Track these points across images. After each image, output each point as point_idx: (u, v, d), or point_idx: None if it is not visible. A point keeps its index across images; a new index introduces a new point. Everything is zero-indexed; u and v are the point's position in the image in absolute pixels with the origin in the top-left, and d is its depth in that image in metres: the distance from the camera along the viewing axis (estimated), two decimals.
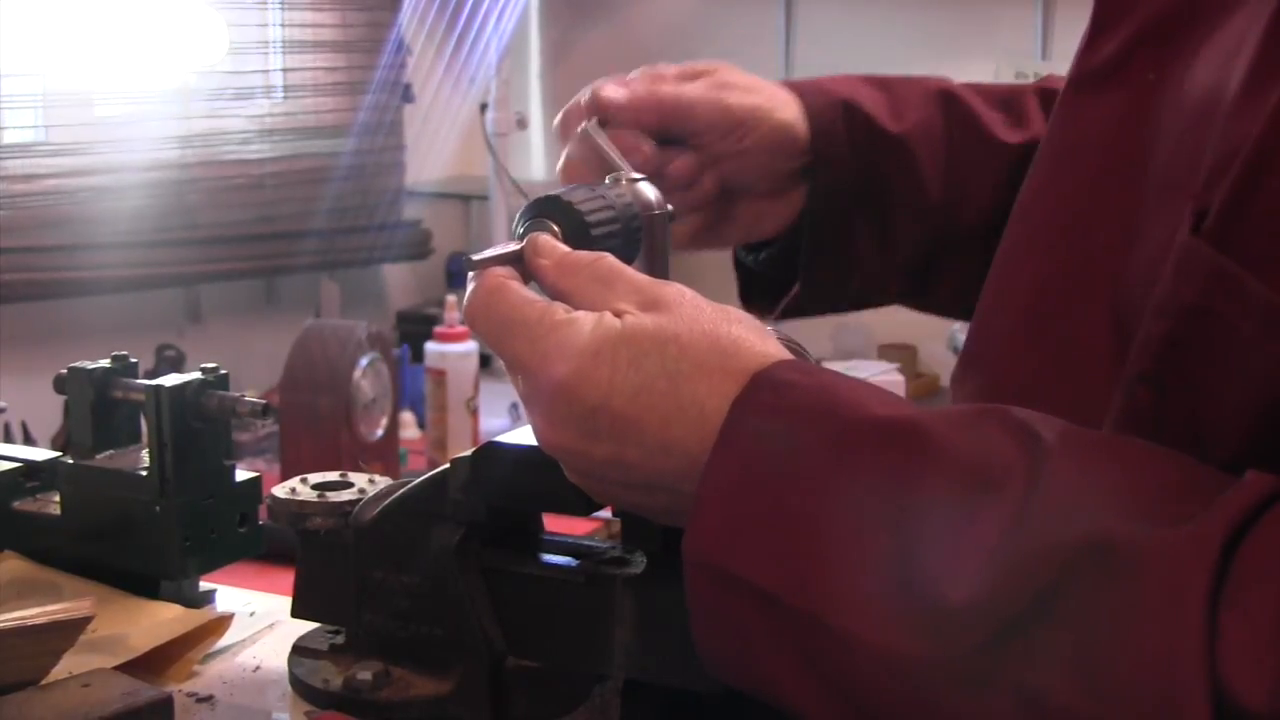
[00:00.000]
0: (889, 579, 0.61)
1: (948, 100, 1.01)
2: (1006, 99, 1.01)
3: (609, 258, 0.73)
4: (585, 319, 0.69)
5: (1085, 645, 0.56)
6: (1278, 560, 0.54)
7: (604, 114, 0.93)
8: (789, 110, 0.96)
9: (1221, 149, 0.61)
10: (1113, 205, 0.71)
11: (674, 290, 0.71)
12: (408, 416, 3.06)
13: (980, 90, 1.02)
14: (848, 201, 0.98)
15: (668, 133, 0.95)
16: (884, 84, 1.01)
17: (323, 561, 0.90)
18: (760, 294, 1.07)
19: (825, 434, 0.65)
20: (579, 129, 0.92)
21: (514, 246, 0.75)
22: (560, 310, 0.70)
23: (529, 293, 0.72)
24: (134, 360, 1.01)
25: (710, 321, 0.69)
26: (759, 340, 0.70)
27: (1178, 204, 0.63)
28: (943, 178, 0.98)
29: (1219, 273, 0.59)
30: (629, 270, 0.72)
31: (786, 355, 0.70)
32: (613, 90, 0.93)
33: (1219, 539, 0.55)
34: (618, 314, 0.70)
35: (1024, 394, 0.73)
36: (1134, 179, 0.70)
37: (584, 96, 0.94)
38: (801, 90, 0.97)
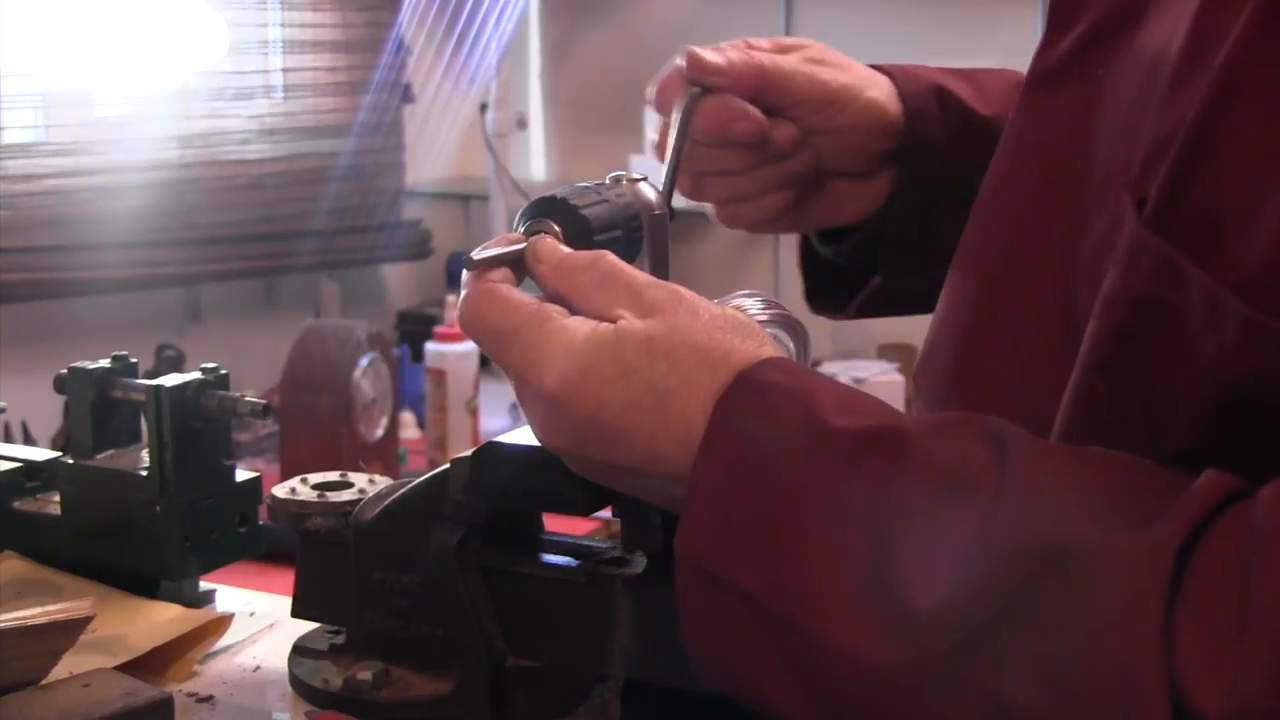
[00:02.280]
0: (862, 583, 0.61)
1: None
2: None
3: (608, 257, 0.73)
4: (577, 329, 0.70)
5: (1047, 651, 0.56)
6: (1230, 565, 0.54)
7: (704, 80, 0.91)
8: (881, 89, 0.94)
9: (1153, 139, 0.62)
10: (1063, 201, 0.72)
11: (669, 294, 0.71)
12: (408, 417, 3.06)
13: None
14: (936, 189, 0.95)
15: (763, 103, 0.92)
16: (966, 75, 1.00)
17: (323, 561, 0.90)
18: (830, 290, 1.04)
19: (805, 437, 0.65)
20: (683, 97, 0.90)
21: (515, 247, 0.75)
22: (553, 314, 0.71)
23: (520, 297, 0.72)
24: (134, 360, 1.01)
25: (703, 331, 0.69)
26: (752, 346, 0.70)
27: (1116, 196, 0.64)
28: None
29: (1164, 262, 0.60)
30: (628, 270, 0.72)
31: (776, 355, 0.71)
32: (712, 56, 0.91)
33: (1174, 544, 0.55)
34: (613, 320, 0.70)
35: (978, 387, 0.74)
36: (1082, 175, 0.71)
37: (681, 62, 0.91)
38: (892, 73, 0.96)
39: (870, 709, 0.61)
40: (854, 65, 0.95)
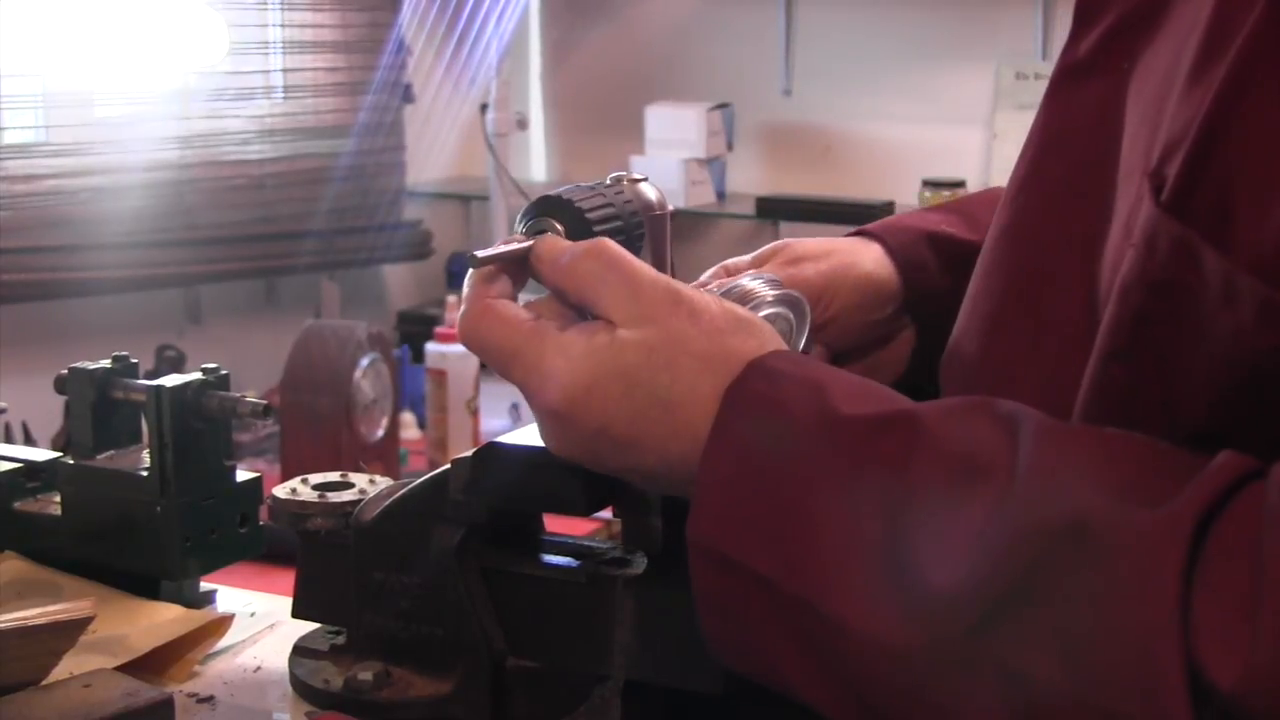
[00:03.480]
0: (877, 565, 0.62)
1: None
2: None
3: (607, 246, 0.73)
4: (575, 344, 0.70)
5: (1065, 626, 0.57)
6: (1247, 540, 0.55)
7: None
8: (869, 260, 0.93)
9: (1173, 126, 0.63)
10: (1089, 194, 0.72)
11: (669, 296, 0.71)
12: (408, 417, 3.06)
13: None
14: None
15: None
16: (951, 207, 0.99)
17: (323, 562, 0.89)
18: None
19: (817, 425, 0.66)
20: None
21: (520, 245, 0.75)
22: (551, 331, 0.71)
23: (517, 314, 0.72)
24: (134, 361, 1.00)
25: (704, 337, 0.70)
26: (754, 344, 0.70)
27: (1137, 184, 0.65)
28: None
29: (1181, 245, 0.61)
30: (627, 263, 0.72)
31: (782, 348, 0.71)
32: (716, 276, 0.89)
33: (1191, 519, 0.56)
34: (611, 327, 0.70)
35: (1001, 375, 0.74)
36: (1108, 166, 0.71)
37: None
38: (879, 235, 0.95)
39: (889, 689, 0.62)
40: (836, 246, 0.94)
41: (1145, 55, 0.71)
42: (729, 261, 0.93)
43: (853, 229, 0.98)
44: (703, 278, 0.91)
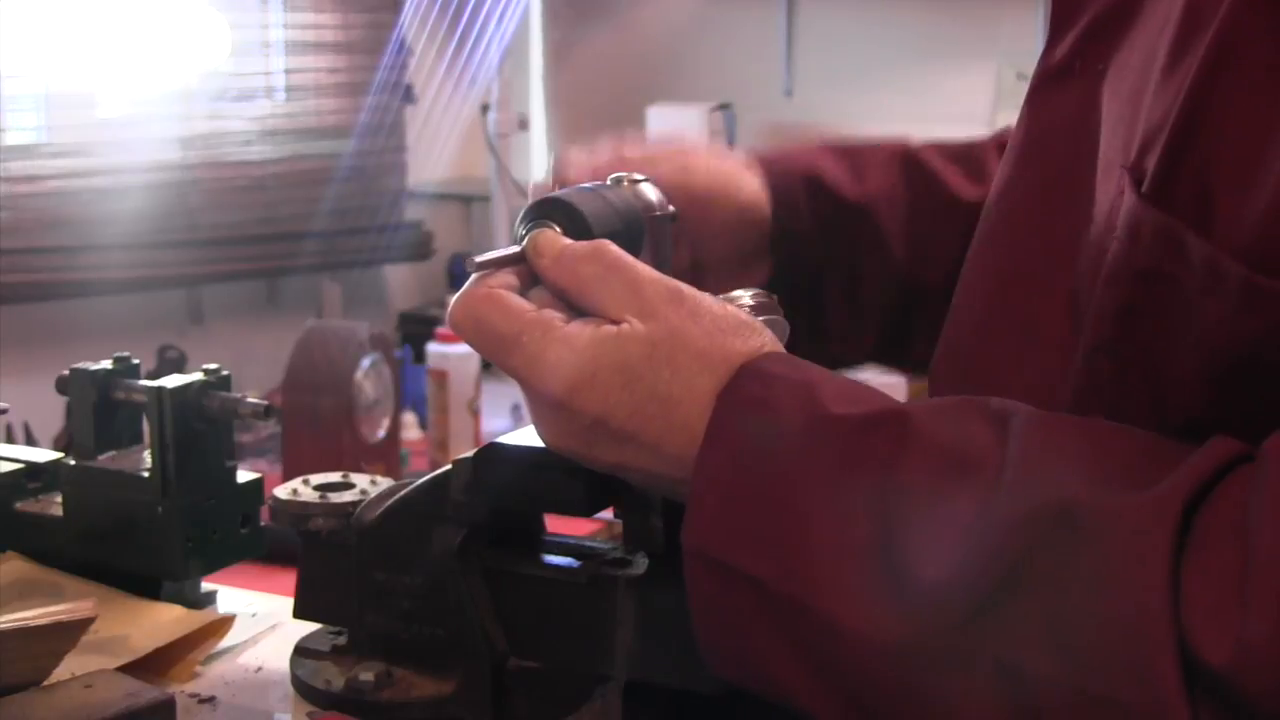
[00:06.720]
0: (869, 562, 0.62)
1: (908, 162, 1.00)
2: (965, 154, 1.01)
3: (610, 248, 0.73)
4: (579, 335, 0.70)
5: (1056, 613, 0.57)
6: (1237, 520, 0.55)
7: (568, 183, 0.89)
8: (751, 188, 0.95)
9: (1151, 117, 0.64)
10: (1070, 194, 0.73)
11: (670, 293, 0.71)
12: (409, 417, 3.06)
13: (940, 148, 1.02)
14: (814, 271, 0.97)
15: None
16: (847, 152, 1.00)
17: (324, 563, 0.90)
18: None
19: (807, 425, 0.66)
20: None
21: (516, 248, 0.75)
22: (555, 321, 0.71)
23: (520, 302, 0.72)
24: (136, 361, 1.00)
25: (704, 336, 0.70)
26: (753, 345, 0.71)
27: (1117, 178, 0.66)
28: (906, 239, 0.98)
29: (1164, 233, 0.61)
30: (630, 264, 0.72)
31: (777, 350, 0.71)
32: (579, 157, 0.90)
33: (1180, 501, 0.56)
34: (615, 322, 0.70)
35: (991, 377, 0.75)
36: (1087, 167, 0.72)
37: (549, 167, 0.91)
38: (766, 164, 0.96)
39: (883, 686, 0.62)
40: (726, 167, 0.95)
41: (1120, 53, 0.72)
42: (624, 139, 0.93)
43: None
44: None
